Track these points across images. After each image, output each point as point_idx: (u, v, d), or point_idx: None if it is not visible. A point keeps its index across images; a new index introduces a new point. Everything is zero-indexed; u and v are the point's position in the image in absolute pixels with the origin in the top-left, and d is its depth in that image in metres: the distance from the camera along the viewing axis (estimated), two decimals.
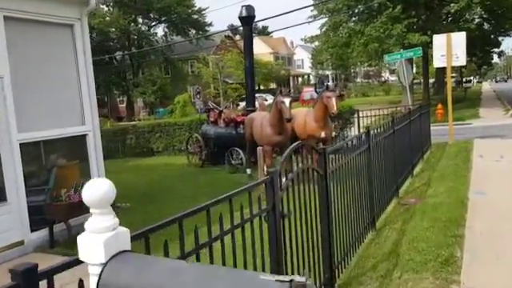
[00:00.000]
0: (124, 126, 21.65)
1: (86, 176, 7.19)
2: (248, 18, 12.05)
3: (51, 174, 6.79)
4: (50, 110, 6.72)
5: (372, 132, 6.23)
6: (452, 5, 24.14)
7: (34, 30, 6.53)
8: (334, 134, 14.55)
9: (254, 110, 12.08)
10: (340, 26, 25.15)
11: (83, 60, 6.98)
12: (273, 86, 53.58)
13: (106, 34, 43.82)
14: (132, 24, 45.09)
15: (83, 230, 1.51)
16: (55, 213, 6.22)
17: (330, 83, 9.43)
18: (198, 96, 25.39)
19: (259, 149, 8.60)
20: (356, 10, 26.00)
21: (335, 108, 8.84)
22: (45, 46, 6.69)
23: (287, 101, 8.61)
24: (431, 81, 38.44)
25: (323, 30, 26.22)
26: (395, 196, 7.63)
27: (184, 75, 47.98)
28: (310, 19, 25.45)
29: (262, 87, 52.13)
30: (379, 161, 6.60)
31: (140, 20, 47.27)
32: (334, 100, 8.86)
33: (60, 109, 6.89)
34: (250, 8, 12.02)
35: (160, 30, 70.90)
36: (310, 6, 24.85)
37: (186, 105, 27.15)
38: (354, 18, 26.13)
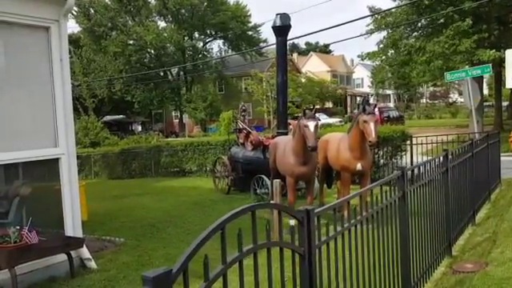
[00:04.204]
0: (158, 143, 20.89)
1: (57, 207, 6.02)
2: (282, 28, 10.55)
3: (12, 206, 5.65)
4: (13, 129, 5.60)
5: (410, 173, 4.51)
6: None
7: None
8: (381, 161, 12.72)
9: (285, 133, 10.50)
10: (399, 41, 22.97)
11: (59, 69, 5.83)
12: (329, 105, 51.56)
13: (162, 49, 44.22)
14: (187, 39, 45.26)
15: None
16: None
17: (370, 105, 7.64)
18: (244, 113, 24.05)
19: (275, 181, 7.04)
20: (419, 24, 23.72)
21: (373, 135, 7.06)
22: (11, 51, 5.63)
23: (312, 125, 6.93)
24: (505, 104, 34.79)
25: (381, 46, 24.14)
26: (446, 254, 5.75)
27: (237, 92, 47.34)
28: (366, 34, 23.52)
29: (317, 106, 50.39)
30: (423, 208, 4.85)
31: (196, 35, 47.42)
32: (372, 125, 7.08)
33: (27, 127, 5.77)
34: (284, 17, 10.53)
35: (215, 47, 71.34)
36: (366, 16, 22.93)
37: (230, 122, 26.09)
38: (415, 33, 23.83)
